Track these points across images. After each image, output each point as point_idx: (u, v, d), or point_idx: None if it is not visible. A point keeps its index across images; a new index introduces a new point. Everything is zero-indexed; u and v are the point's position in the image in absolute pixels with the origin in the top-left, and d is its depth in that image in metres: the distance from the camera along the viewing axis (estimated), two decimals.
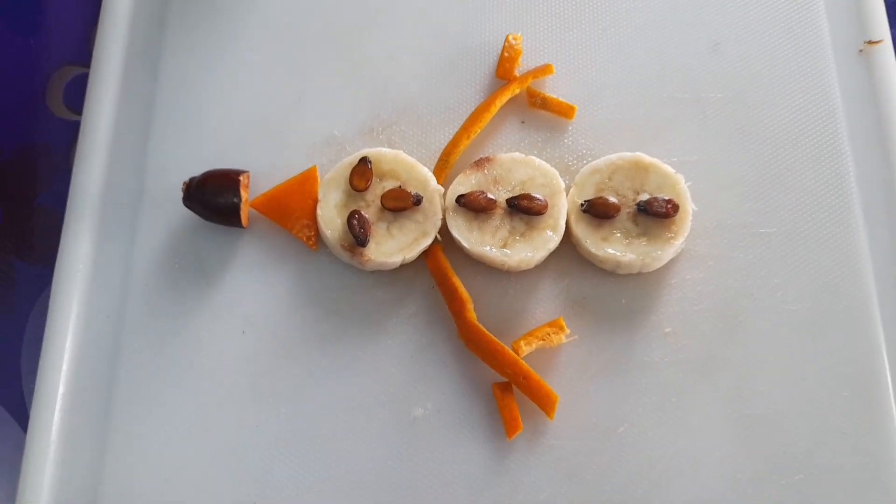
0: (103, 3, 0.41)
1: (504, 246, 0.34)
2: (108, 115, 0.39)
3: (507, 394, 0.33)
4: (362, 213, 0.34)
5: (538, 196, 0.35)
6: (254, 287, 0.35)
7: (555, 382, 0.34)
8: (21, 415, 0.37)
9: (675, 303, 0.35)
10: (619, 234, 0.35)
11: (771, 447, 0.33)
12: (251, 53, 0.40)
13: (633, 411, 0.34)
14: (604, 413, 0.34)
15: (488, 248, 0.34)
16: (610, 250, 0.34)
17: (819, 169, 0.37)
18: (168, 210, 0.37)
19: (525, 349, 0.34)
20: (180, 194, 0.36)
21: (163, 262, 0.36)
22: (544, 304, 0.35)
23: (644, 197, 0.35)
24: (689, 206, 0.35)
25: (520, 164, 0.36)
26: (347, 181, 0.35)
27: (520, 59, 0.39)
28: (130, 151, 0.38)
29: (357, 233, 0.34)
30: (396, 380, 0.34)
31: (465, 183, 0.36)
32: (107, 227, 0.37)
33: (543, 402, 0.33)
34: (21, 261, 0.39)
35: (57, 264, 0.36)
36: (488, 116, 0.38)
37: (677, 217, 0.35)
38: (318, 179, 0.36)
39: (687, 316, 0.35)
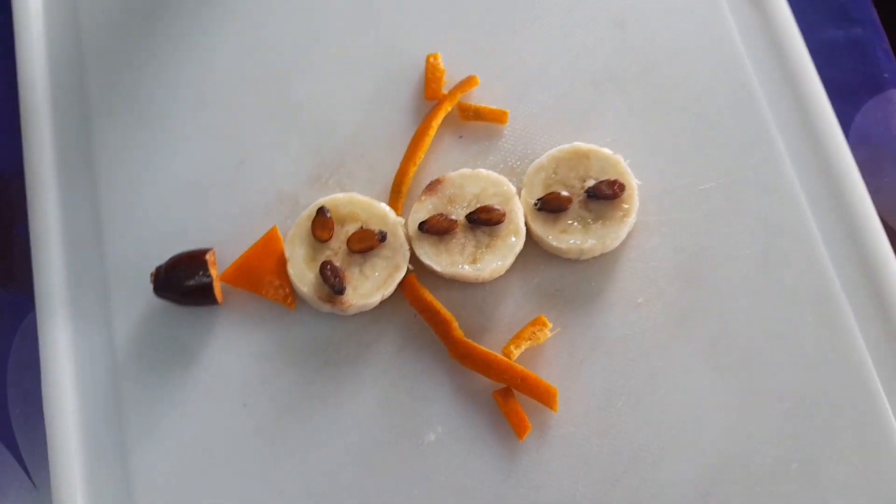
0: (21, 112, 0.40)
1: (474, 261, 0.36)
2: (53, 219, 0.38)
3: (509, 398, 0.35)
4: (332, 262, 0.35)
5: (494, 206, 0.36)
6: (243, 359, 0.36)
7: (549, 375, 0.36)
8: (9, 440, 0.37)
9: (640, 273, 0.38)
10: (576, 224, 0.37)
11: (756, 384, 0.36)
12: (185, 128, 0.40)
13: (626, 384, 0.36)
14: (600, 392, 0.36)
15: (460, 266, 0.35)
16: (571, 241, 0.36)
17: (739, 118, 0.40)
18: (139, 298, 0.37)
19: (515, 352, 0.35)
20: (148, 283, 0.36)
21: (146, 349, 0.36)
22: (522, 305, 0.37)
23: (591, 183, 0.37)
24: (633, 182, 0.37)
25: (469, 178, 0.37)
26: (310, 234, 0.36)
27: (444, 77, 0.40)
28: (86, 245, 0.38)
29: (333, 283, 0.35)
30: (402, 413, 0.35)
31: (422, 209, 0.37)
32: (81, 320, 0.37)
33: (545, 398, 0.35)
34: (1, 288, 0.39)
35: (41, 350, 0.36)
36: (428, 140, 0.39)
37: (625, 195, 0.37)
38: (281, 238, 0.37)
39: (654, 283, 0.37)
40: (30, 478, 0.37)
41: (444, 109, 0.39)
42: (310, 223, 0.36)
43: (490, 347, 0.36)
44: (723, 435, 0.35)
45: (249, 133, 0.40)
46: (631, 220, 0.37)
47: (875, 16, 0.44)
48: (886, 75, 0.44)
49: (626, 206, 0.37)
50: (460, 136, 0.40)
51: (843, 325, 0.36)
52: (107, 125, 0.40)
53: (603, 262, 0.38)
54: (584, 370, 0.36)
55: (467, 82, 0.40)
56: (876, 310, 0.37)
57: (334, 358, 0.36)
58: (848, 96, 0.41)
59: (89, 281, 0.37)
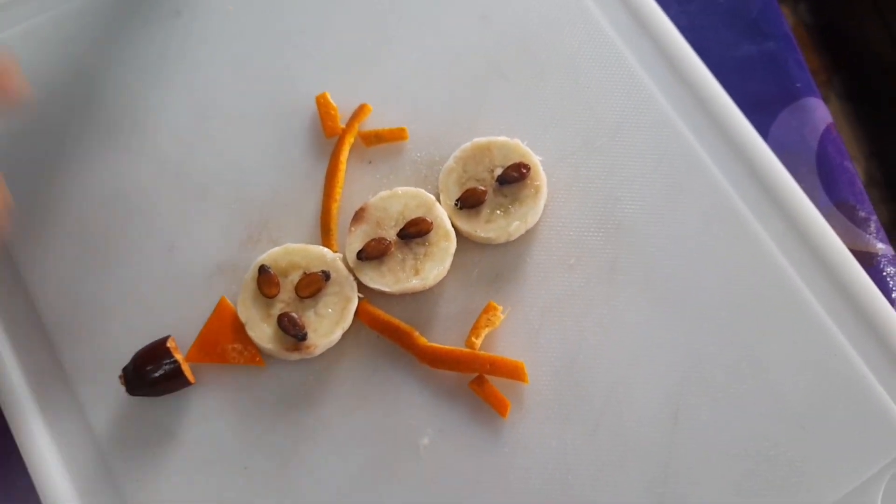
0: None
1: (417, 273, 0.38)
2: None
3: (484, 384, 0.38)
4: (287, 313, 0.37)
5: (420, 217, 0.39)
6: (231, 426, 0.37)
7: (512, 353, 0.39)
8: None
9: (565, 238, 0.41)
10: (497, 212, 0.40)
11: (691, 303, 0.40)
12: (110, 233, 0.41)
13: (581, 339, 0.39)
14: (561, 354, 0.39)
15: (407, 281, 0.38)
16: (498, 228, 0.39)
17: (609, 72, 0.44)
18: (108, 395, 0.38)
19: (477, 342, 0.38)
20: (114, 380, 0.37)
21: (129, 438, 0.37)
22: (470, 298, 0.40)
23: (499, 171, 0.40)
24: (535, 160, 0.40)
25: (390, 199, 0.40)
26: (258, 294, 0.38)
27: (337, 113, 0.42)
28: (39, 353, 0.39)
29: (294, 332, 0.37)
30: (392, 427, 0.38)
31: (355, 239, 0.39)
32: (54, 417, 0.38)
33: (515, 374, 0.38)
34: None
35: (18, 442, 0.37)
36: (341, 174, 0.41)
37: (531, 173, 0.40)
38: (231, 306, 0.39)
39: (579, 243, 0.41)
40: None
41: (348, 142, 0.41)
42: (255, 284, 0.38)
43: (453, 345, 0.38)
44: (676, 355, 0.39)
45: (171, 220, 0.41)
46: (543, 193, 0.40)
47: (786, 28, 0.48)
48: (799, 85, 0.48)
49: (536, 182, 0.40)
50: (369, 162, 0.42)
51: (747, 230, 0.41)
52: (30, 252, 0.40)
53: (529, 238, 0.41)
54: (541, 339, 0.39)
55: (360, 111, 0.42)
56: (772, 208, 0.42)
57: (316, 398, 0.38)
58: (764, 108, 0.44)
59: (52, 385, 0.38)
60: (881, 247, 0.45)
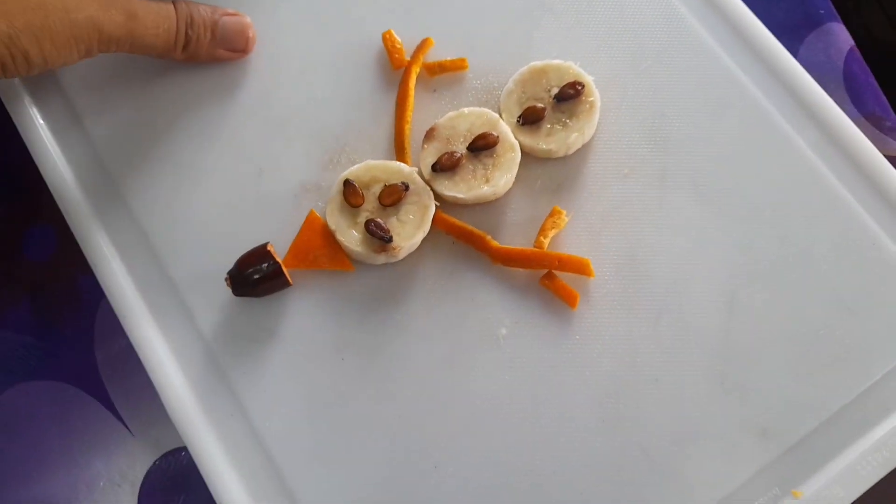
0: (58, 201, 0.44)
1: (487, 181, 0.42)
2: (108, 250, 0.43)
3: (553, 279, 0.41)
4: (374, 219, 0.41)
5: (487, 131, 0.42)
6: (328, 324, 0.41)
7: (578, 252, 0.42)
8: (104, 399, 0.43)
9: (618, 150, 0.44)
10: (557, 126, 0.43)
11: (736, 203, 0.43)
12: (205, 161, 0.45)
13: (639, 238, 0.43)
14: (622, 251, 0.42)
15: (479, 189, 0.42)
16: (558, 140, 0.43)
17: (655, 12, 0.47)
18: (213, 301, 0.42)
19: (545, 242, 0.42)
20: (218, 286, 0.41)
21: (237, 338, 0.41)
22: (536, 205, 0.43)
23: (555, 91, 0.44)
24: (588, 79, 0.44)
25: (457, 118, 0.43)
26: (344, 205, 0.42)
27: (403, 48, 0.46)
28: (147, 266, 0.43)
29: (381, 235, 0.40)
30: (472, 320, 0.41)
31: (429, 155, 0.43)
32: (164, 322, 0.42)
33: (581, 269, 0.41)
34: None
35: (135, 345, 0.41)
36: (410, 100, 0.45)
37: (585, 90, 0.44)
38: (320, 217, 0.42)
39: (632, 154, 0.44)
40: (127, 427, 0.42)
41: (414, 72, 0.45)
42: (341, 196, 0.42)
43: (523, 246, 0.42)
44: (726, 251, 0.42)
45: (257, 149, 0.45)
46: (597, 108, 0.44)
47: None
48: (822, 11, 0.52)
49: (590, 98, 0.44)
50: (434, 91, 0.46)
51: (784, 137, 0.44)
52: (134, 181, 0.44)
53: (586, 152, 0.45)
54: (602, 239, 0.43)
55: (424, 44, 0.46)
56: (805, 117, 0.45)
57: (401, 297, 0.42)
58: (791, 33, 0.48)
59: (163, 295, 0.42)
60: None
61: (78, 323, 0.47)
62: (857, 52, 0.50)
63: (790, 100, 0.46)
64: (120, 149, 0.45)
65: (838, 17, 0.51)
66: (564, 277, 0.42)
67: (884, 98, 0.49)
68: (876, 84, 0.49)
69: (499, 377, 0.40)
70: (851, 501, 0.38)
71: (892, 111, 0.48)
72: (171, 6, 0.42)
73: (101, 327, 0.47)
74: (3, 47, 0.35)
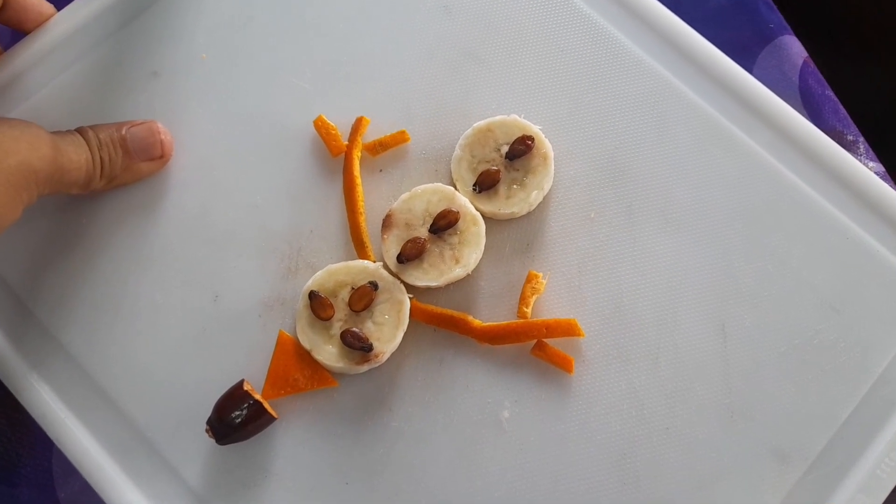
0: None
1: (458, 262, 0.40)
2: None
3: (545, 348, 0.40)
4: (349, 329, 0.39)
5: (446, 209, 0.40)
6: (326, 445, 0.39)
7: (562, 313, 0.41)
8: None
9: (580, 194, 0.43)
10: (515, 186, 0.42)
11: (713, 226, 0.42)
12: (151, 296, 0.41)
13: (620, 283, 0.42)
14: (606, 300, 0.41)
15: (451, 273, 0.40)
16: (519, 201, 0.41)
17: (581, 36, 0.46)
18: (193, 447, 0.39)
19: (528, 311, 0.40)
20: (197, 432, 0.38)
21: (224, 482, 0.38)
22: (510, 272, 0.42)
23: (505, 148, 0.42)
24: (536, 129, 0.42)
25: (411, 200, 0.41)
26: (314, 319, 0.39)
27: (337, 132, 0.44)
28: (104, 415, 0.40)
29: (360, 345, 0.38)
30: (473, 411, 0.40)
31: (391, 245, 0.40)
32: (142, 480, 0.39)
33: (570, 331, 0.40)
34: None
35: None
36: (359, 188, 0.42)
37: (536, 143, 0.42)
38: (290, 337, 0.40)
39: (594, 196, 0.43)
40: None
41: (356, 156, 0.43)
42: (309, 311, 0.39)
43: (505, 319, 0.40)
44: (708, 274, 0.42)
45: (208, 272, 0.42)
46: (551, 159, 0.42)
47: None
48: (772, 25, 0.50)
49: (542, 150, 0.42)
50: (380, 171, 0.44)
51: (740, 145, 0.44)
52: (81, 335, 0.41)
53: (548, 203, 0.43)
54: (584, 292, 0.42)
55: (359, 125, 0.44)
56: (756, 120, 0.44)
57: (393, 400, 0.40)
58: (743, 52, 0.46)
59: (138, 453, 0.39)
60: (872, 165, 0.49)
61: (37, 461, 0.43)
62: (812, 64, 0.50)
63: (735, 104, 0.45)
64: (49, 295, 0.42)
65: (789, 28, 0.51)
66: (555, 342, 0.40)
67: (843, 110, 0.48)
68: (834, 96, 0.49)
69: (511, 462, 0.39)
70: None
71: (852, 123, 0.48)
72: (78, 135, 0.39)
73: (61, 463, 0.43)
74: None
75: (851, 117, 0.47)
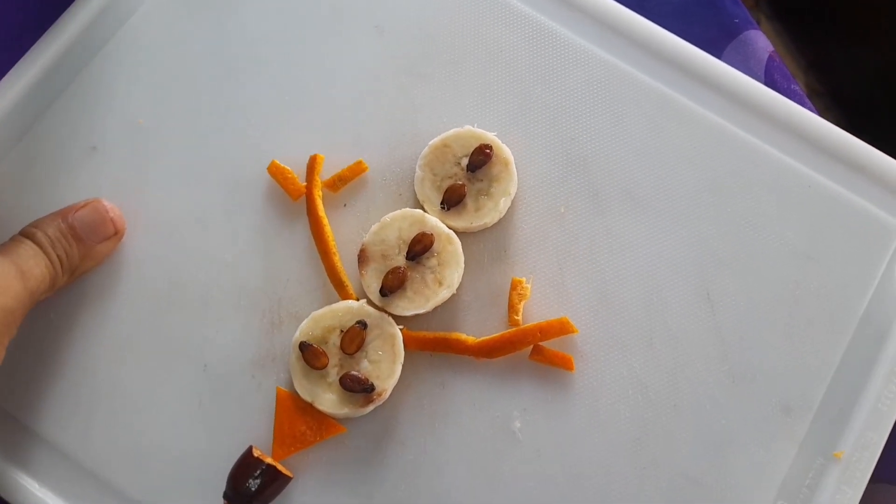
0: None
1: (441, 284, 0.40)
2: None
3: (542, 352, 0.40)
4: (347, 373, 0.38)
5: (419, 233, 0.40)
6: (344, 493, 0.38)
7: (552, 313, 0.41)
8: None
9: (546, 194, 0.43)
10: (482, 197, 0.41)
11: (680, 199, 0.43)
12: (145, 376, 0.40)
13: (602, 272, 0.42)
14: (591, 293, 0.42)
15: (436, 296, 0.39)
16: (489, 211, 0.41)
17: (526, 39, 0.46)
18: None
19: (519, 318, 0.40)
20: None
21: None
22: (493, 282, 0.42)
23: (465, 161, 0.42)
24: (492, 137, 0.42)
25: (382, 230, 0.41)
26: (308, 370, 0.39)
27: (293, 174, 0.43)
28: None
29: (362, 387, 0.38)
30: (485, 428, 0.40)
31: (370, 280, 0.40)
32: None
33: (563, 330, 0.40)
34: None
35: None
36: (327, 228, 0.42)
37: (495, 150, 0.42)
38: (289, 394, 0.39)
39: (559, 192, 0.43)
40: None
41: (317, 196, 0.42)
42: (302, 362, 0.39)
43: (496, 331, 0.40)
44: (684, 247, 0.42)
45: (190, 343, 0.41)
46: (513, 163, 0.42)
47: None
48: (737, 20, 0.50)
49: (503, 156, 0.42)
50: (345, 205, 0.43)
51: (692, 115, 0.44)
52: (74, 430, 0.40)
53: (517, 208, 0.43)
54: (568, 288, 0.42)
55: (314, 163, 0.43)
56: (704, 88, 0.45)
57: (404, 433, 0.39)
58: (708, 48, 0.45)
59: None
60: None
61: None
62: (777, 58, 0.50)
63: (682, 76, 0.45)
64: (33, 400, 0.40)
65: (755, 23, 0.51)
66: (551, 343, 0.40)
67: (809, 104, 0.49)
68: (800, 90, 0.49)
69: (530, 471, 0.39)
70: (885, 441, 0.39)
71: (820, 118, 0.49)
72: (30, 242, 0.37)
73: None
74: None
75: (836, 98, 0.47)
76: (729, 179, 0.43)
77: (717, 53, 0.49)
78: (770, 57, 0.49)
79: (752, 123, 0.44)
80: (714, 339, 0.41)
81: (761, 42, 0.50)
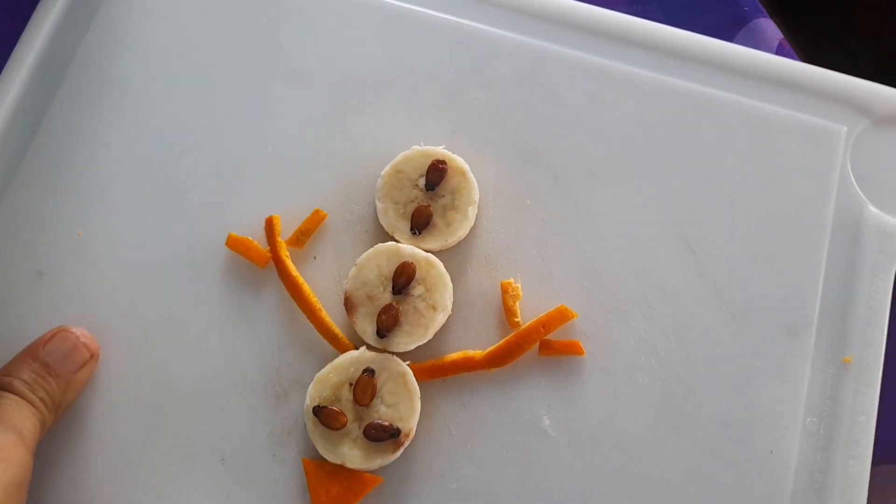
0: None
1: (435, 309, 0.39)
2: None
3: (549, 345, 0.40)
4: (369, 424, 0.37)
5: (399, 265, 0.39)
6: None
7: (548, 305, 0.41)
8: None
9: (506, 190, 0.43)
10: (450, 212, 0.41)
11: (645, 164, 0.43)
12: None
13: (584, 252, 0.42)
14: (579, 275, 0.42)
15: (434, 323, 0.39)
16: (460, 224, 0.41)
17: (437, 38, 0.45)
18: None
19: (518, 319, 0.40)
20: None
21: None
22: (484, 293, 0.41)
23: (422, 181, 0.41)
24: (442, 150, 0.42)
25: (361, 272, 0.40)
26: (328, 433, 0.38)
27: (254, 242, 0.41)
28: None
29: (388, 434, 0.37)
30: (516, 435, 0.39)
31: (364, 324, 0.39)
32: None
33: (564, 317, 0.40)
34: None
35: None
36: (305, 287, 0.40)
37: (449, 162, 0.41)
38: (314, 462, 0.38)
39: (518, 184, 0.43)
40: None
41: (286, 258, 0.41)
42: (320, 428, 0.38)
43: (499, 338, 0.40)
44: (658, 206, 0.43)
45: (202, 437, 0.39)
46: (468, 171, 0.42)
47: None
48: (747, 8, 0.50)
49: (458, 167, 0.41)
50: (315, 257, 0.42)
51: (630, 79, 0.45)
52: None
53: (483, 213, 0.43)
54: (556, 276, 0.42)
55: (272, 225, 0.42)
56: (648, 53, 0.45)
57: (439, 464, 0.39)
58: (718, 36, 0.45)
59: None
60: None
61: None
62: (788, 46, 0.50)
63: (611, 44, 0.45)
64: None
65: (765, 11, 0.51)
66: (555, 334, 0.40)
67: None
68: None
69: (569, 462, 0.39)
70: (885, 335, 0.41)
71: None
72: (8, 395, 0.35)
73: None
74: None
75: None
76: (679, 132, 0.44)
77: (728, 41, 0.50)
78: (780, 44, 0.50)
79: (687, 70, 0.45)
80: (705, 284, 0.42)
81: (771, 30, 0.51)
